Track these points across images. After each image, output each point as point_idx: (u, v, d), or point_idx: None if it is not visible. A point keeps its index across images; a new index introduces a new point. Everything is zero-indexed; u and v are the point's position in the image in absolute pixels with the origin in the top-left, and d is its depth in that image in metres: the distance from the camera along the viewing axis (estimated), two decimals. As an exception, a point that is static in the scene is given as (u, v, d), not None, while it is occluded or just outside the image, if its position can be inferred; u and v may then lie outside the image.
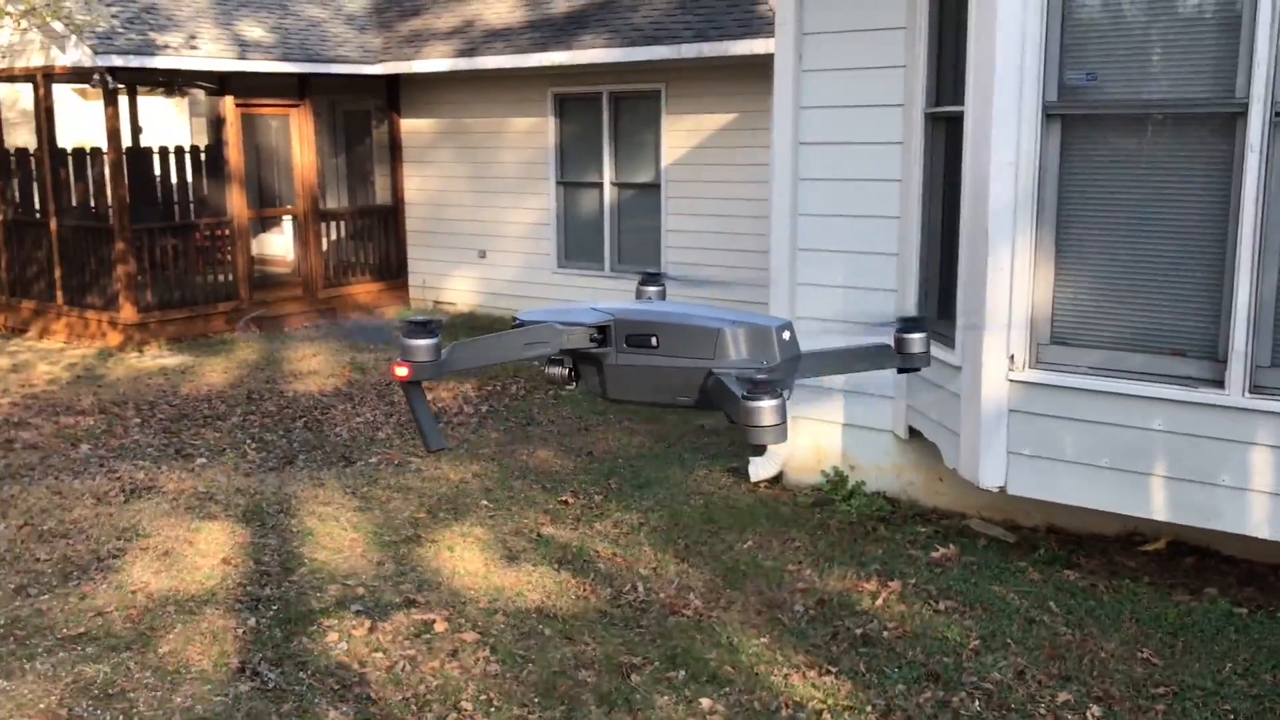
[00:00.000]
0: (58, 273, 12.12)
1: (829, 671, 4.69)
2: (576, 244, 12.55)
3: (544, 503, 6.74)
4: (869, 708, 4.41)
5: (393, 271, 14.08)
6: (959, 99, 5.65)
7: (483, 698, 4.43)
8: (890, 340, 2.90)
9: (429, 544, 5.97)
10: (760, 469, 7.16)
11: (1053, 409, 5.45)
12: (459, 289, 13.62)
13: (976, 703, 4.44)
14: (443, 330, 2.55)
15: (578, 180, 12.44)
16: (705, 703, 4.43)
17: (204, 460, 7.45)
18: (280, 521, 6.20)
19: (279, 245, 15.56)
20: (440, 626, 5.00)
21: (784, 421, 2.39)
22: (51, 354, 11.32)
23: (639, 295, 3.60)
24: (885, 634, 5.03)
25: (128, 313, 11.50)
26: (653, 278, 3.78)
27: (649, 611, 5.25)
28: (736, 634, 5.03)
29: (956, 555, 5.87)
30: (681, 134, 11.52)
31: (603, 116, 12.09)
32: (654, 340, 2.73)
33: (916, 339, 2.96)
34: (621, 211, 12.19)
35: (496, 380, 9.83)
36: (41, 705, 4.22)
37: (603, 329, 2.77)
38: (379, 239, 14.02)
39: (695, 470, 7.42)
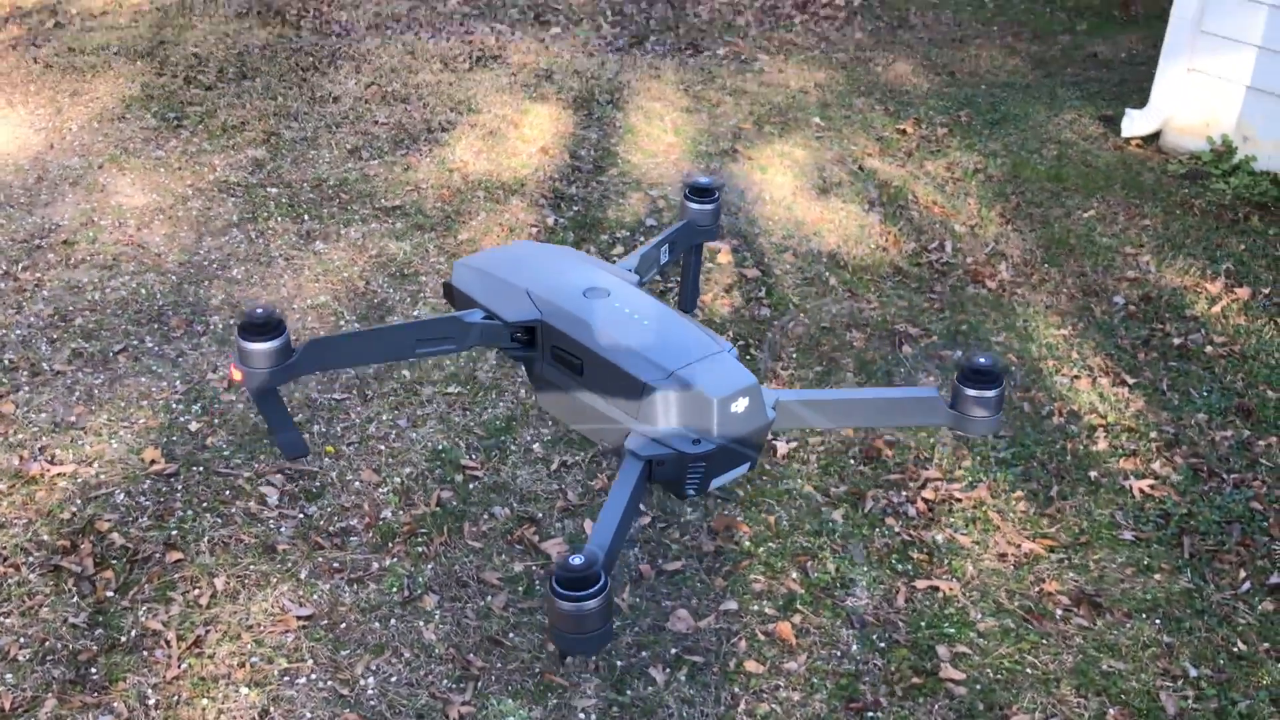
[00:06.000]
0: None
1: (1124, 382, 4.24)
2: None
3: (880, 128, 6.28)
4: (1153, 434, 3.98)
5: None
6: None
7: (739, 343, 4.38)
8: (940, 391, 2.05)
9: (744, 160, 5.76)
10: (1136, 123, 6.26)
11: None
12: None
13: (1285, 454, 3.91)
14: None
15: None
16: (970, 392, 4.16)
17: (558, 30, 7.43)
18: (607, 114, 6.15)
19: None
20: (724, 259, 4.91)
21: (600, 629, 1.71)
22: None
23: (681, 212, 2.83)
24: (1208, 349, 4.45)
25: None
26: (703, 192, 2.86)
27: (948, 276, 4.90)
28: (1036, 319, 4.62)
29: (1337, 269, 5.01)
30: None
31: None
32: (580, 365, 2.14)
33: (976, 399, 1.98)
34: None
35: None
36: (345, 274, 4.58)
37: (530, 330, 2.10)
38: None
39: (1063, 111, 6.62)
